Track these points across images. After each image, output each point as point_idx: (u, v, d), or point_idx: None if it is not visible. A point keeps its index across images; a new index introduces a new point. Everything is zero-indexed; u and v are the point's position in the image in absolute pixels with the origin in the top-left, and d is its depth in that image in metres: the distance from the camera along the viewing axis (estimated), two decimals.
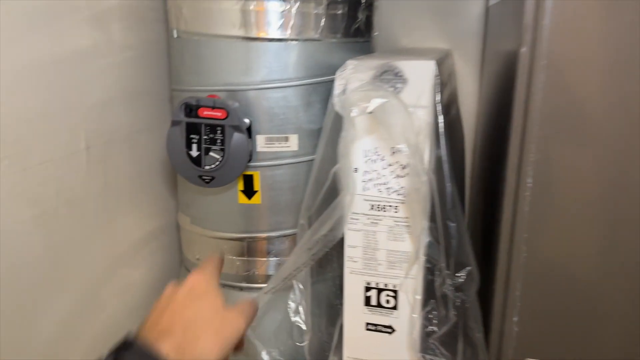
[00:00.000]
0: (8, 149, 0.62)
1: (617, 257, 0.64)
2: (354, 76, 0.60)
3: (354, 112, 0.54)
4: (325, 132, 0.66)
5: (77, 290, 0.75)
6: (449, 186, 0.60)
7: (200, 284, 0.50)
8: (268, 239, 0.79)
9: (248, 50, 0.72)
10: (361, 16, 0.77)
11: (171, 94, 0.85)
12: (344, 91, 0.59)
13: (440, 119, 0.60)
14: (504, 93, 0.78)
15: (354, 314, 0.70)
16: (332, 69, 0.75)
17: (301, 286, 0.67)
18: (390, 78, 0.60)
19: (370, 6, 0.80)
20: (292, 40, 0.72)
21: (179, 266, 1.00)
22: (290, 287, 0.69)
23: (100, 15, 0.74)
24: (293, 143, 0.75)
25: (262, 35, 0.71)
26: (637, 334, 0.66)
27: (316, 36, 0.73)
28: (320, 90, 0.75)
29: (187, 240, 0.87)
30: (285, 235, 0.79)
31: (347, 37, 0.76)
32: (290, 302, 0.68)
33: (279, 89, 0.73)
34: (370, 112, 0.55)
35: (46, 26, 0.65)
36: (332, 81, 0.75)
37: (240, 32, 0.71)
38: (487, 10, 1.06)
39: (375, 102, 0.53)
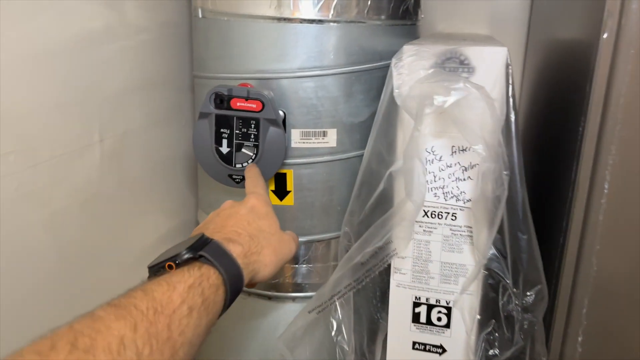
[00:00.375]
0: (14, 143, 0.54)
1: None
2: (416, 64, 0.51)
3: (429, 109, 0.45)
4: (376, 127, 0.58)
5: (91, 298, 0.68)
6: (521, 192, 0.52)
7: (261, 205, 0.52)
8: (300, 244, 0.71)
9: (283, 33, 0.63)
10: None
11: (193, 82, 0.77)
12: (403, 83, 0.51)
13: (513, 115, 0.51)
14: (564, 85, 0.70)
15: (400, 331, 0.63)
16: (377, 56, 0.67)
17: (343, 302, 0.59)
18: (455, 66, 0.52)
19: None
20: (332, 22, 0.64)
21: None
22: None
23: None
24: (331, 138, 0.67)
25: (300, 15, 0.63)
26: None
27: (360, 18, 0.65)
28: (364, 79, 0.67)
29: None
30: (319, 241, 0.71)
31: (394, 19, 0.68)
32: (332, 319, 0.61)
33: (318, 77, 0.65)
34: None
35: (52, 6, 0.57)
36: (376, 69, 0.67)
37: (275, 12, 0.63)
38: None
39: (454, 96, 0.45)
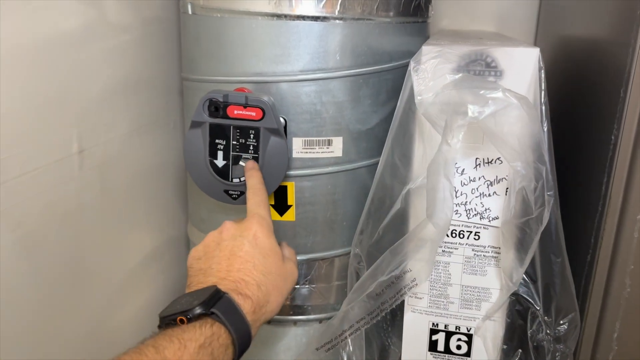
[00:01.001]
0: None
1: None
2: (440, 67, 0.45)
3: (462, 120, 0.39)
4: (391, 137, 0.52)
5: (73, 328, 0.61)
6: (555, 211, 0.47)
7: (264, 236, 0.49)
8: (301, 262, 0.65)
9: (283, 31, 0.57)
10: None
11: (182, 84, 0.70)
12: (425, 89, 0.45)
13: (546, 124, 0.46)
14: (588, 89, 0.65)
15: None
16: (386, 56, 0.61)
17: (355, 338, 0.53)
18: (481, 69, 0.46)
19: None
20: (338, 19, 0.57)
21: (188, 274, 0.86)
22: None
23: None
24: (336, 148, 0.61)
25: (302, 12, 0.57)
26: None
27: (368, 15, 0.59)
28: (372, 82, 0.61)
29: None
30: (322, 259, 0.65)
31: (405, 16, 0.62)
32: (342, 353, 0.55)
33: (322, 80, 0.59)
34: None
35: (22, 4, 0.50)
36: (385, 71, 0.61)
37: (274, 8, 0.56)
38: None
39: (492, 107, 0.39)
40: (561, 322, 0.50)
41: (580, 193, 0.62)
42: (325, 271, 0.66)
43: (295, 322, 0.67)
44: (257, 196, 0.52)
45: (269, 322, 0.67)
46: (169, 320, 0.40)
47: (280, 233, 0.63)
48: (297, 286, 0.66)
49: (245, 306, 0.43)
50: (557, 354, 0.50)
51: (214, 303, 0.41)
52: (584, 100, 0.65)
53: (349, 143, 0.61)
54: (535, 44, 0.94)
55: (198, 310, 0.40)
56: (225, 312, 0.41)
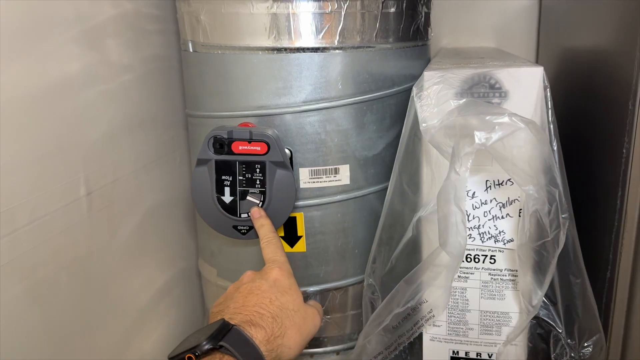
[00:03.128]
0: None
1: None
2: (443, 92, 0.45)
3: (469, 147, 0.39)
4: (398, 163, 0.51)
5: None
6: (571, 231, 0.46)
7: (284, 279, 0.50)
8: (314, 293, 0.64)
9: (284, 64, 0.57)
10: (421, 14, 0.63)
11: (186, 120, 0.70)
12: (429, 115, 0.44)
13: (555, 143, 0.45)
14: (594, 102, 0.64)
15: None
16: (388, 82, 0.61)
17: None
18: (485, 91, 0.46)
19: (429, 1, 0.65)
20: (337, 49, 0.58)
21: (202, 317, 0.85)
22: None
23: (93, 31, 0.59)
24: (344, 175, 0.61)
25: (301, 44, 0.57)
26: None
27: (368, 42, 0.59)
28: (375, 108, 0.60)
29: (213, 294, 0.72)
30: (336, 289, 0.64)
31: (404, 41, 0.62)
32: None
33: (325, 110, 0.58)
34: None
35: (28, 51, 0.51)
36: (389, 96, 0.61)
37: (274, 43, 0.57)
38: (541, 3, 0.92)
39: (499, 132, 0.38)
40: (585, 344, 0.48)
41: (595, 209, 0.60)
42: (340, 301, 0.65)
43: (312, 355, 0.66)
44: (271, 244, 0.53)
45: None
46: None
47: (292, 264, 0.62)
48: None
49: (258, 336, 0.43)
50: None
51: (223, 336, 0.41)
52: (591, 114, 0.65)
53: (357, 170, 0.61)
54: (537, 58, 0.94)
55: (206, 346, 0.40)
56: (235, 344, 0.40)
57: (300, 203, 0.60)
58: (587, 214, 0.63)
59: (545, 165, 0.40)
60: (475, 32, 0.95)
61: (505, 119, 0.39)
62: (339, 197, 0.61)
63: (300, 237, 0.62)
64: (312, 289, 0.63)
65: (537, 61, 0.94)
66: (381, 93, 0.60)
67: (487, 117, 0.39)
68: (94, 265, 0.61)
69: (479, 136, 0.39)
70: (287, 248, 0.62)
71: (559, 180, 0.41)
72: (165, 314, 0.77)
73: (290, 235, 0.62)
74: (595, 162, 0.61)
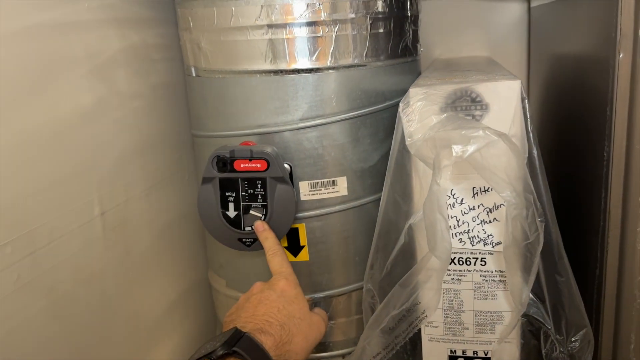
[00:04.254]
0: (10, 233, 0.51)
1: None
2: (426, 109, 0.48)
3: (447, 160, 0.42)
4: (389, 175, 0.55)
5: None
6: (554, 232, 0.49)
7: (291, 289, 0.53)
8: (319, 300, 0.67)
9: (281, 85, 0.61)
10: (408, 31, 0.66)
11: (192, 140, 0.74)
12: (414, 130, 0.48)
13: (535, 150, 0.48)
14: (578, 107, 0.67)
15: None
16: (381, 97, 0.65)
17: None
18: (467, 105, 0.49)
19: (416, 19, 0.69)
20: (331, 69, 0.61)
21: (214, 327, 0.88)
22: None
23: (102, 66, 0.63)
24: (342, 187, 0.64)
25: (296, 66, 0.60)
26: None
27: (358, 61, 0.62)
28: (369, 122, 0.64)
29: (223, 304, 0.75)
30: (339, 295, 0.67)
31: (394, 59, 0.65)
32: None
33: (321, 126, 0.62)
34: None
35: (44, 87, 0.55)
36: (382, 111, 0.65)
37: (271, 66, 0.60)
38: (530, 12, 0.95)
39: (474, 145, 0.42)
40: (573, 339, 0.51)
41: (582, 210, 0.63)
42: (343, 306, 0.68)
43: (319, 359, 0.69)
44: (277, 256, 0.57)
45: None
46: None
47: (296, 273, 0.65)
48: None
49: (267, 343, 0.46)
50: None
51: (236, 342, 0.44)
52: (576, 119, 0.68)
53: (354, 181, 0.64)
54: (529, 65, 0.97)
55: (221, 352, 0.43)
56: (247, 349, 0.44)
57: (302, 215, 0.64)
58: (575, 215, 0.66)
59: (521, 173, 0.43)
60: (466, 42, 0.99)
61: (480, 133, 0.42)
62: (338, 208, 0.65)
63: (303, 246, 0.65)
64: (316, 295, 0.67)
65: (529, 68, 0.97)
66: (374, 108, 0.64)
67: (463, 132, 0.42)
68: (109, 281, 0.65)
69: (456, 149, 0.42)
70: (291, 257, 0.66)
71: (532, 186, 0.44)
72: (179, 324, 0.81)
73: (294, 245, 0.65)
74: (581, 165, 0.64)
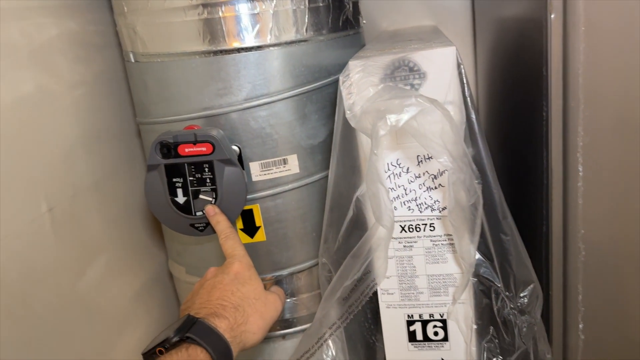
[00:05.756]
0: None
1: None
2: (364, 80, 0.49)
3: (383, 130, 0.43)
4: (336, 150, 0.55)
5: None
6: (496, 193, 0.50)
7: (244, 271, 0.54)
8: (279, 278, 0.67)
9: (222, 65, 0.60)
10: (348, 4, 0.66)
11: (138, 128, 0.73)
12: (354, 103, 0.48)
13: (473, 115, 0.49)
14: (519, 69, 0.68)
15: (398, 352, 0.60)
16: (325, 72, 0.64)
17: (336, 338, 0.56)
18: (405, 74, 0.49)
19: None
20: (272, 46, 0.60)
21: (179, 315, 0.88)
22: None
23: (41, 53, 0.61)
24: (293, 165, 0.64)
25: (236, 45, 0.59)
26: None
27: (300, 37, 0.62)
28: (316, 98, 0.64)
29: (185, 291, 0.75)
30: (300, 272, 0.68)
31: (335, 32, 0.65)
32: (325, 358, 0.57)
33: (267, 105, 0.61)
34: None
35: None
36: (327, 85, 0.65)
37: (210, 46, 0.59)
38: None
39: (408, 113, 0.42)
40: (521, 295, 0.53)
41: (529, 171, 0.65)
42: (305, 282, 0.69)
43: (284, 337, 0.70)
44: (229, 239, 0.56)
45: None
46: (149, 355, 0.44)
47: (254, 253, 0.66)
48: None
49: (222, 325, 0.47)
50: (524, 325, 0.53)
51: (189, 328, 0.45)
52: (519, 80, 0.69)
53: (305, 158, 0.64)
54: (474, 30, 0.98)
55: (175, 339, 0.43)
56: (201, 334, 0.44)
57: (256, 195, 0.63)
58: (524, 174, 0.68)
59: (457, 138, 0.44)
60: (412, 13, 0.99)
61: (412, 100, 0.43)
62: (291, 186, 0.65)
63: (259, 227, 0.65)
64: (277, 274, 0.67)
65: (475, 35, 0.98)
66: (319, 83, 0.63)
67: (397, 101, 0.43)
68: (65, 278, 0.64)
69: (391, 118, 0.42)
70: (248, 239, 0.66)
71: (468, 150, 0.45)
72: (145, 314, 0.80)
73: (249, 227, 0.65)
74: (525, 126, 0.65)
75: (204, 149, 0.55)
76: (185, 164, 0.56)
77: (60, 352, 0.62)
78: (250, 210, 0.64)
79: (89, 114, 0.70)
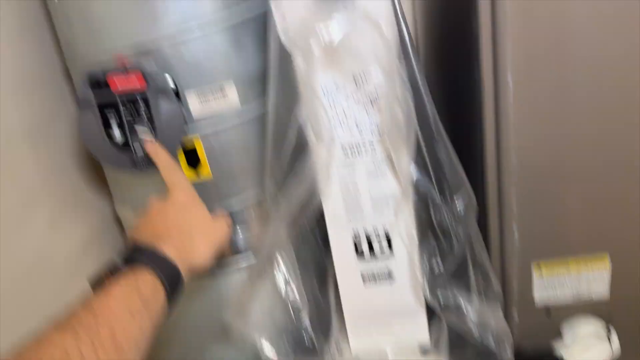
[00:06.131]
0: None
1: (612, 146, 0.59)
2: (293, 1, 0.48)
3: (316, 47, 0.43)
4: (273, 77, 0.55)
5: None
6: (428, 106, 0.52)
7: (187, 198, 0.54)
8: (233, 214, 0.68)
9: None
10: None
11: (68, 71, 0.70)
12: (285, 21, 0.47)
13: (405, 29, 0.50)
14: (454, 21, 0.68)
15: (347, 268, 0.63)
16: None
17: (286, 259, 0.58)
18: None
19: None
20: None
21: None
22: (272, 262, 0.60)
23: None
24: (232, 95, 0.63)
25: None
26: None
27: None
28: (251, 26, 0.62)
29: None
30: (250, 205, 0.69)
31: None
32: (277, 278, 0.60)
33: (200, 36, 0.60)
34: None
35: None
36: (261, 12, 0.63)
37: None
38: None
39: (336, 27, 0.42)
40: (455, 198, 0.56)
41: (465, 89, 0.67)
42: (257, 215, 0.70)
43: (240, 270, 0.71)
44: (169, 170, 0.56)
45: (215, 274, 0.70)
46: (96, 283, 0.44)
47: (201, 191, 0.65)
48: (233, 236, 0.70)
49: (167, 247, 0.47)
50: (460, 231, 0.57)
51: (134, 253, 0.45)
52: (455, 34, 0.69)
53: (245, 89, 0.63)
54: None
55: (121, 264, 0.44)
56: (146, 259, 0.45)
57: (198, 133, 0.63)
58: (459, 91, 0.70)
59: (386, 50, 0.45)
60: None
61: (345, 16, 0.43)
62: (233, 120, 0.64)
63: (204, 164, 0.65)
64: (226, 210, 0.68)
65: None
66: (253, 9, 0.62)
67: (330, 19, 0.43)
68: (10, 231, 0.62)
69: (321, 33, 0.42)
70: (194, 177, 0.66)
71: (400, 66, 0.46)
72: (97, 260, 0.80)
73: (193, 163, 0.65)
74: (459, 42, 0.66)
75: (137, 82, 0.54)
76: (118, 99, 0.55)
77: (8, 306, 0.61)
78: (194, 149, 0.64)
79: (16, 57, 0.67)
